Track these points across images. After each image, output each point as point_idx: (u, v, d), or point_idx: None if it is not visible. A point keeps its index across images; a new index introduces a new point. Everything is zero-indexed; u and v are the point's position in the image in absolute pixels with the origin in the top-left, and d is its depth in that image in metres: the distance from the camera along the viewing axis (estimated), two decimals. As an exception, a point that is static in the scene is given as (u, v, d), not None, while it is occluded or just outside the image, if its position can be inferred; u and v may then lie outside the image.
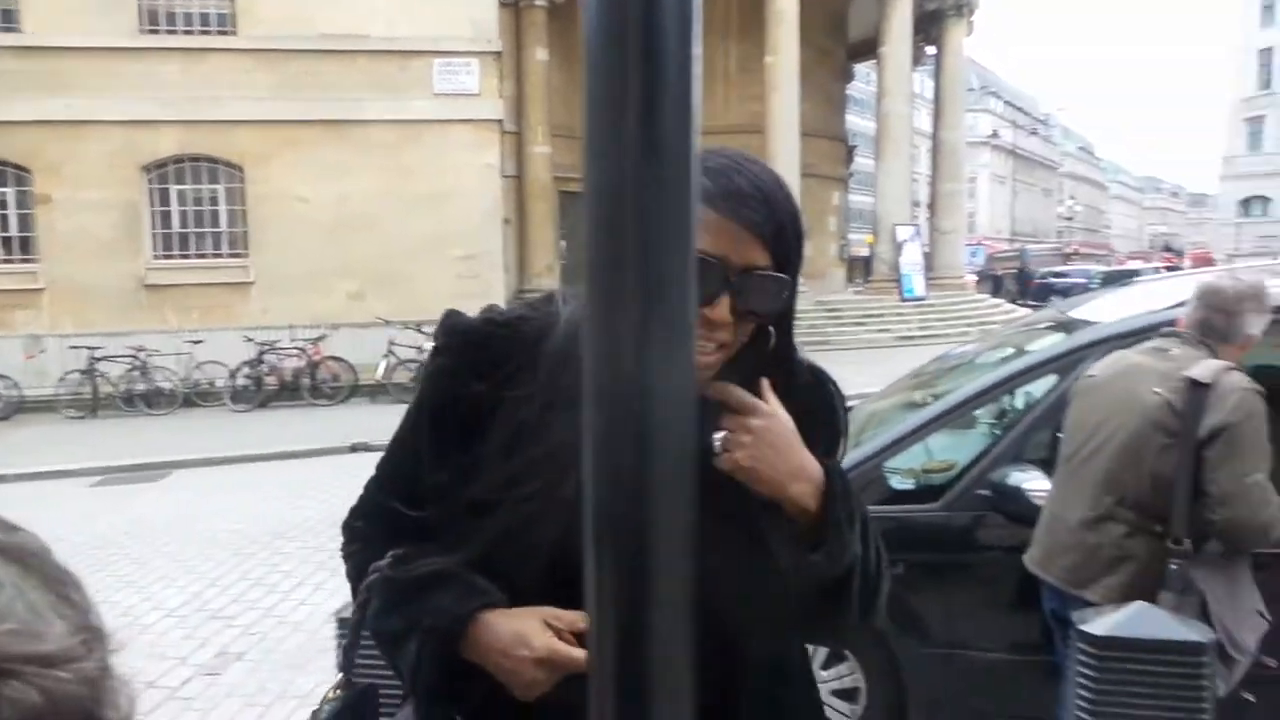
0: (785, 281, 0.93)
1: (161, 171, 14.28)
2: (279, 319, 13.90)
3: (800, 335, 1.07)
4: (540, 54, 20.51)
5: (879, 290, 22.58)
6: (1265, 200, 53.81)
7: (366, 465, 1.20)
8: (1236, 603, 2.10)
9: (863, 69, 31.59)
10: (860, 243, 34.28)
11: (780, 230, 0.92)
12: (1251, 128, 54.87)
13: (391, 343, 13.39)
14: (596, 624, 0.71)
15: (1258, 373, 2.82)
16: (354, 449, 9.52)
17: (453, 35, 14.11)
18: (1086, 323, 3.10)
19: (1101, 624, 1.52)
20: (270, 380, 13.49)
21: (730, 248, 0.90)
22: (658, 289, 0.66)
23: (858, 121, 37.13)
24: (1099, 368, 2.39)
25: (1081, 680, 1.52)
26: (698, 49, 0.67)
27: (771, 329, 0.96)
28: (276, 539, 6.57)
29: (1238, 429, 2.01)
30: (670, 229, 0.66)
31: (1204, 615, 2.05)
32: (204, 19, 14.03)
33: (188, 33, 14.00)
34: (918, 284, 21.76)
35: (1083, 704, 1.51)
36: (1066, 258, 39.29)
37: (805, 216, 0.96)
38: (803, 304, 1.06)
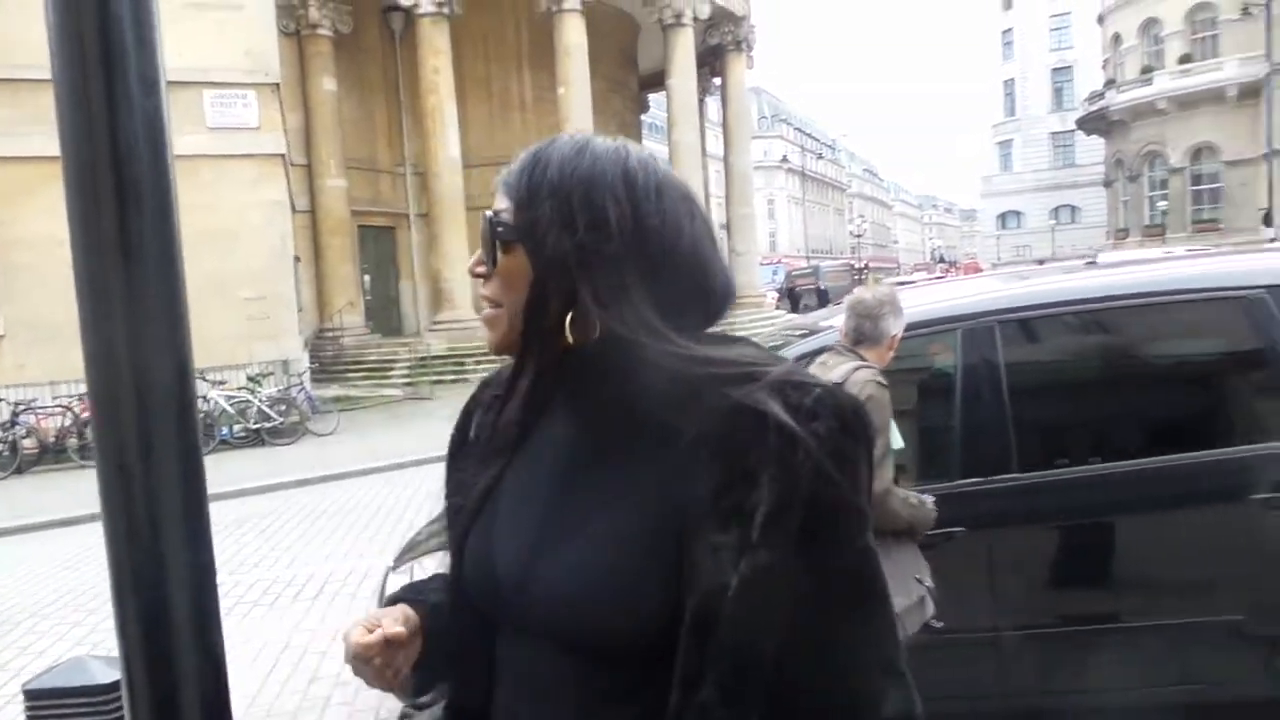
0: (491, 219, 0.85)
1: (-115, 215, 12.72)
2: (38, 375, 12.65)
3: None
4: (328, 84, 19.97)
5: (683, 311, 23.45)
6: (1019, 214, 60.42)
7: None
8: (893, 580, 2.43)
9: (659, 98, 32.85)
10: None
11: (525, 185, 0.83)
12: (1002, 150, 61.63)
13: (174, 392, 12.53)
14: (125, 658, 0.81)
15: (935, 374, 3.26)
16: (129, 509, 8.83)
17: (226, 66, 13.46)
18: (829, 330, 3.43)
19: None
20: (28, 443, 12.25)
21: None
22: (147, 383, 0.77)
23: (660, 149, 38.49)
24: None
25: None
26: (169, 153, 0.79)
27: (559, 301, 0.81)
28: (30, 618, 6.00)
29: None
30: (155, 328, 0.77)
31: None
32: (-68, 46, 12.68)
33: (-88, 61, 12.60)
34: (719, 303, 22.81)
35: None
36: (858, 272, 42.26)
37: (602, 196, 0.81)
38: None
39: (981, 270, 34.67)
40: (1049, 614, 2.96)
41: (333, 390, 16.63)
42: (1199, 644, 2.86)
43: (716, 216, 35.49)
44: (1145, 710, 3.07)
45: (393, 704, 3.76)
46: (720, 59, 26.32)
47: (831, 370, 2.49)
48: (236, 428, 12.82)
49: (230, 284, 13.51)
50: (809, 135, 79.49)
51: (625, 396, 0.80)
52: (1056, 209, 58.10)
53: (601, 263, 0.79)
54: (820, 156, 74.42)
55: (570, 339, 0.81)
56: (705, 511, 0.74)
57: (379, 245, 23.19)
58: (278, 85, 14.63)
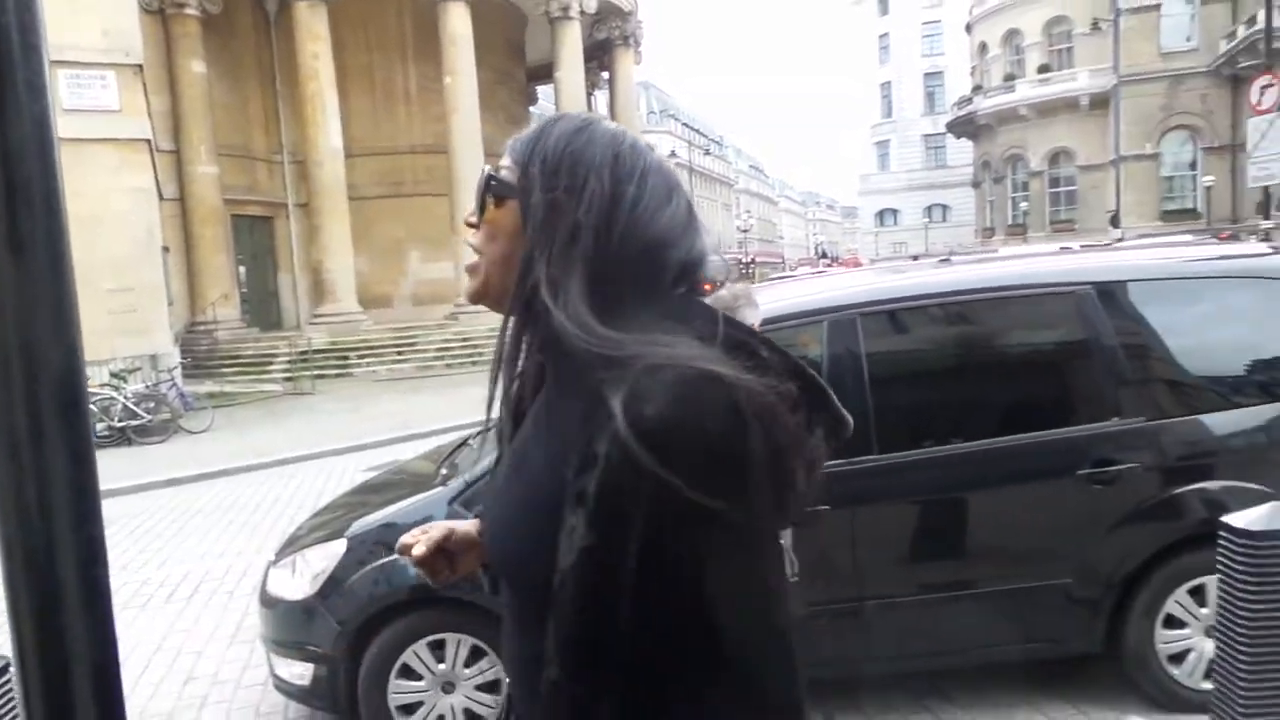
0: (485, 176, 0.93)
1: None
2: None
3: (485, 358, 1.03)
4: (197, 66, 19.05)
5: (573, 304, 23.49)
6: (896, 211, 63.10)
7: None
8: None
9: (548, 90, 32.76)
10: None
11: (528, 152, 0.91)
12: (880, 150, 64.22)
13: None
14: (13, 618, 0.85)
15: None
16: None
17: (81, 45, 12.63)
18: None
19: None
20: None
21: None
22: (37, 372, 0.81)
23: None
24: None
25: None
26: (56, 154, 0.83)
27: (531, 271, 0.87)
28: None
29: None
30: (45, 319, 0.81)
31: None
32: None
33: None
34: (608, 296, 22.96)
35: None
36: (746, 266, 43.14)
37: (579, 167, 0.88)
38: (497, 323, 0.95)
39: (861, 265, 36.00)
40: (908, 583, 3.20)
41: (207, 386, 15.92)
42: (1037, 606, 3.16)
43: (606, 210, 35.58)
44: (994, 668, 3.37)
45: (274, 699, 3.73)
46: (608, 53, 26.46)
47: None
48: (100, 426, 12.13)
49: (92, 275, 12.77)
50: (696, 131, 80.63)
51: (549, 369, 0.88)
52: (930, 207, 60.98)
53: (564, 226, 0.85)
54: (707, 152, 75.67)
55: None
56: (567, 494, 0.78)
57: (256, 236, 22.30)
58: (140, 67, 13.88)
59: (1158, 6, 35.77)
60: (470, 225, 0.95)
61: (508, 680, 1.11)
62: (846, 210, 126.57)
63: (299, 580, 3.40)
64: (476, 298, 0.95)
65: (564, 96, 23.22)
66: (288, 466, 9.92)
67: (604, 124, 0.93)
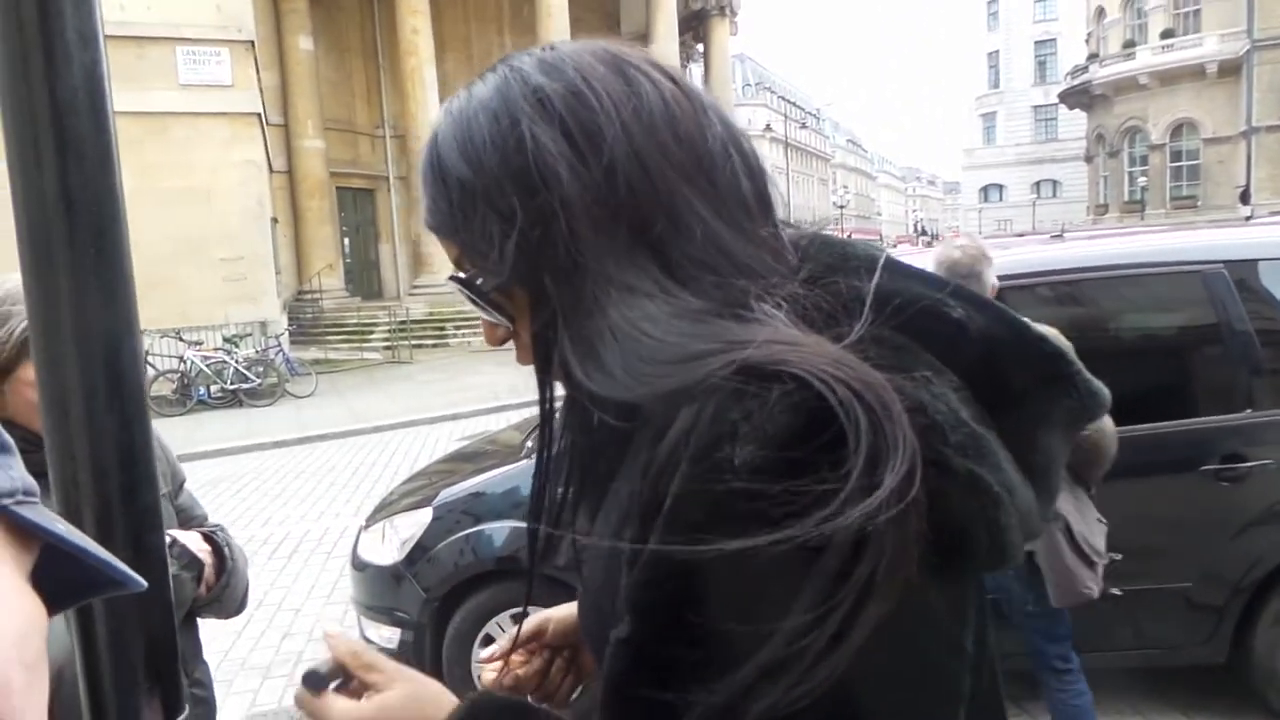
0: (460, 275, 0.68)
1: None
2: (10, 334, 12.52)
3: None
4: (304, 43, 19.63)
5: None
6: (1001, 187, 60.60)
7: None
8: (1085, 517, 2.49)
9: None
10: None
11: (435, 206, 0.67)
12: (986, 123, 61.61)
13: (148, 353, 12.43)
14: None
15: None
16: (102, 470, 8.79)
17: (197, 22, 13.17)
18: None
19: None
20: (2, 403, 12.15)
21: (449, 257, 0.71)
22: (88, 331, 0.78)
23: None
24: None
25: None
26: (109, 106, 0.79)
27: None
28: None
29: None
30: (96, 277, 0.78)
31: (1069, 533, 2.42)
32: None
33: None
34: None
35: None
36: (839, 242, 42.04)
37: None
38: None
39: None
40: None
41: (311, 353, 16.55)
42: (1154, 610, 2.94)
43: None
44: (1102, 673, 3.16)
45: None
46: (704, 24, 26.08)
47: None
48: (214, 388, 12.76)
49: (206, 245, 13.38)
50: (793, 104, 79.02)
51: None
52: (1038, 183, 58.28)
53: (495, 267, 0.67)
54: (804, 126, 74.18)
55: None
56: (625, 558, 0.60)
57: (358, 208, 22.98)
58: (252, 43, 14.38)
59: (1303, -36, 33.04)
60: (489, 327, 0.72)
61: None
62: (949, 186, 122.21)
63: (388, 546, 3.46)
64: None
65: (659, 69, 23.05)
66: (385, 433, 10.22)
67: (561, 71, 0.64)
